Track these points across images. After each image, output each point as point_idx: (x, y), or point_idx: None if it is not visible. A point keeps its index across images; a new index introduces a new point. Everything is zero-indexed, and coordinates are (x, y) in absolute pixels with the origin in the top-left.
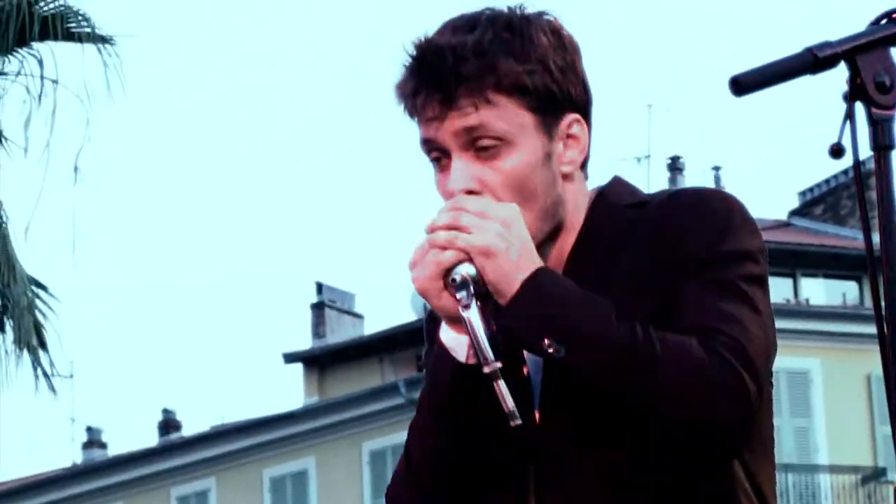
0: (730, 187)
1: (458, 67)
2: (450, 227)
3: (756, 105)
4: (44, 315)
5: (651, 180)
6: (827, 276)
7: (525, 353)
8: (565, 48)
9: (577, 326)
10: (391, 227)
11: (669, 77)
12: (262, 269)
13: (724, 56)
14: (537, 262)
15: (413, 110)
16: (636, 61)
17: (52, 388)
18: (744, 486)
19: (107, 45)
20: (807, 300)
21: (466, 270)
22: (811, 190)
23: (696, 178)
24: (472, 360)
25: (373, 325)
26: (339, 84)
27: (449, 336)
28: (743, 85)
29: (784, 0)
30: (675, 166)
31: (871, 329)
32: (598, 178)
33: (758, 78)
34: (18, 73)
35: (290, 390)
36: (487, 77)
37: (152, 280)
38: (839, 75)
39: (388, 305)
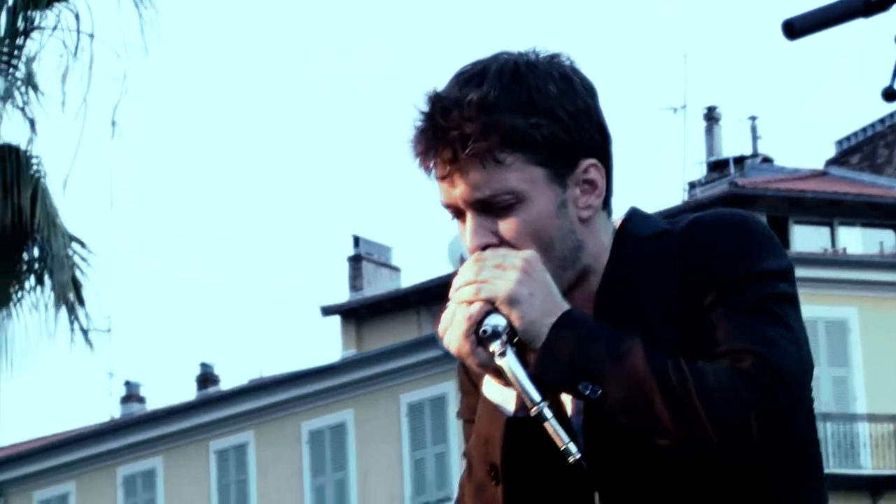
0: (766, 137)
1: (463, 127)
2: (471, 283)
3: (792, 54)
4: (82, 271)
5: (687, 130)
6: (864, 226)
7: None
8: (576, 93)
9: (611, 365)
10: (428, 181)
11: (705, 27)
12: (298, 223)
13: (759, 4)
14: (563, 305)
15: (425, 168)
16: (671, 11)
17: (90, 343)
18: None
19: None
20: (844, 249)
21: (496, 321)
22: (848, 139)
23: (732, 127)
24: (521, 412)
25: (410, 277)
26: (379, 45)
27: (494, 391)
28: (796, 28)
29: None
30: (711, 116)
31: None
32: (637, 129)
33: (811, 21)
34: (55, 28)
35: (327, 343)
36: (493, 135)
37: (189, 235)
38: (884, 20)
39: (424, 258)
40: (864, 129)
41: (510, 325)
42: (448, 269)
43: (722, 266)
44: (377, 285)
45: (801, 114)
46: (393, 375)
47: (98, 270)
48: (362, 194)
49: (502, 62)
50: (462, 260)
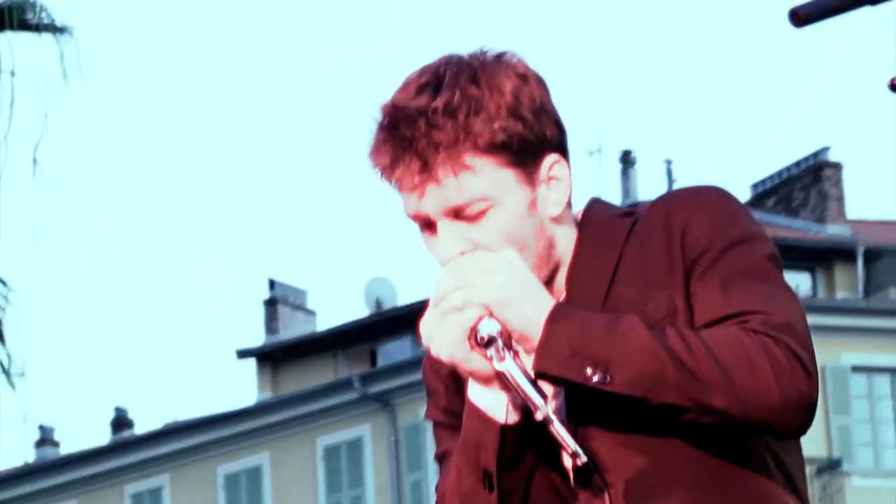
0: (681, 180)
1: (431, 135)
2: (458, 289)
3: (707, 95)
4: (3, 309)
5: (602, 173)
6: None
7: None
8: (533, 90)
9: (614, 346)
10: (343, 223)
11: (620, 69)
12: (214, 266)
13: (675, 48)
14: (551, 300)
15: (390, 179)
16: (587, 53)
17: (12, 384)
18: (777, 475)
19: (64, 35)
20: None
21: (489, 327)
22: (763, 182)
23: (647, 171)
24: (511, 420)
25: (325, 321)
26: (290, 83)
27: (482, 397)
28: (802, 17)
29: None
30: (626, 159)
31: (824, 321)
32: None
33: (818, 9)
34: None
35: (243, 387)
36: (463, 141)
37: (105, 276)
38: (889, 10)
39: (340, 301)
40: (779, 173)
41: (504, 329)
42: (364, 313)
43: (703, 234)
44: (293, 328)
45: (717, 157)
46: (309, 418)
47: (18, 310)
48: (278, 237)
49: (456, 65)
50: (378, 303)
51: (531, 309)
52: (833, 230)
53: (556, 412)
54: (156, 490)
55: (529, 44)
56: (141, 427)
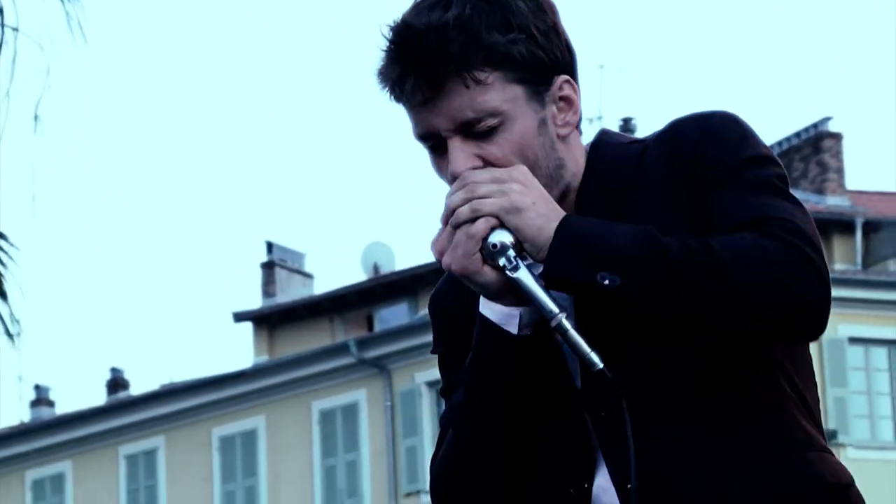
0: None
1: (442, 48)
2: (468, 200)
3: (707, 65)
4: (3, 265)
5: None
6: None
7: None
8: (544, 11)
9: (626, 251)
10: (341, 186)
11: (622, 37)
12: (212, 228)
13: (676, 17)
14: (561, 211)
15: (400, 96)
16: (588, 21)
17: (13, 341)
18: (791, 397)
19: None
20: None
21: (501, 236)
22: None
23: None
24: (524, 331)
25: (323, 284)
26: (289, 44)
27: (495, 311)
28: None
29: None
30: (626, 128)
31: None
32: None
33: None
34: None
35: (239, 350)
36: (474, 54)
37: (101, 236)
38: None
39: (338, 265)
40: (778, 143)
41: (516, 238)
42: (362, 277)
43: (717, 153)
44: (290, 292)
45: None
46: (305, 382)
47: (21, 266)
48: (276, 200)
49: None
50: (375, 268)
51: (542, 218)
52: (832, 201)
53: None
54: (151, 451)
55: None
56: (137, 388)
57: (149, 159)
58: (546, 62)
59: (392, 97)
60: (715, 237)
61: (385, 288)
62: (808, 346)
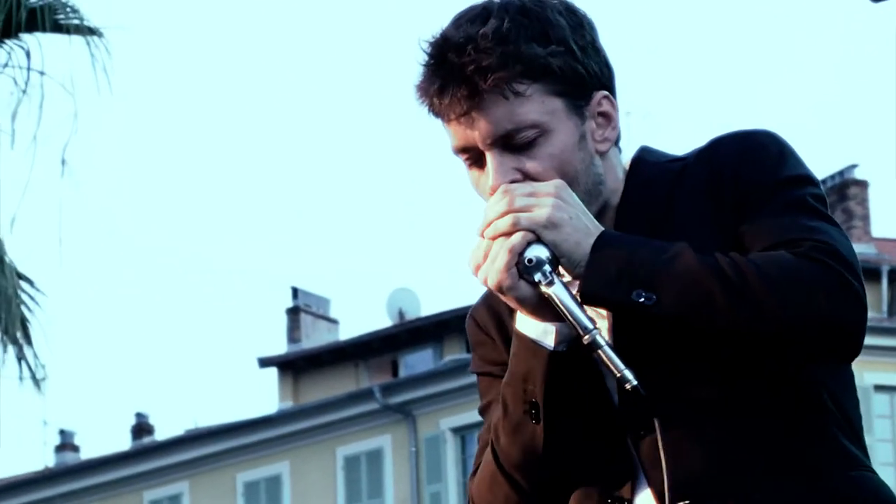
0: None
1: (481, 59)
2: (507, 213)
3: (734, 110)
4: (29, 309)
5: None
6: None
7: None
8: (583, 27)
9: (662, 269)
10: (366, 232)
11: (647, 82)
12: (238, 273)
13: (703, 61)
14: (599, 226)
15: (439, 110)
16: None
17: (38, 387)
18: (834, 415)
19: (95, 37)
20: None
21: (537, 251)
22: None
23: None
24: (561, 346)
25: (348, 330)
26: (319, 89)
27: (531, 326)
28: None
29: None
30: None
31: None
32: None
33: None
34: (6, 65)
35: (264, 395)
36: (513, 66)
37: (128, 280)
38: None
39: (363, 311)
40: None
41: (552, 253)
42: (387, 323)
43: (755, 172)
44: (315, 337)
45: None
46: (329, 428)
47: (46, 311)
48: (302, 245)
49: (503, 1)
50: (401, 314)
51: (580, 233)
52: (858, 249)
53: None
54: (175, 497)
55: None
56: (161, 433)
57: (176, 203)
58: (585, 77)
59: (431, 111)
60: (751, 255)
61: (410, 334)
62: (851, 364)
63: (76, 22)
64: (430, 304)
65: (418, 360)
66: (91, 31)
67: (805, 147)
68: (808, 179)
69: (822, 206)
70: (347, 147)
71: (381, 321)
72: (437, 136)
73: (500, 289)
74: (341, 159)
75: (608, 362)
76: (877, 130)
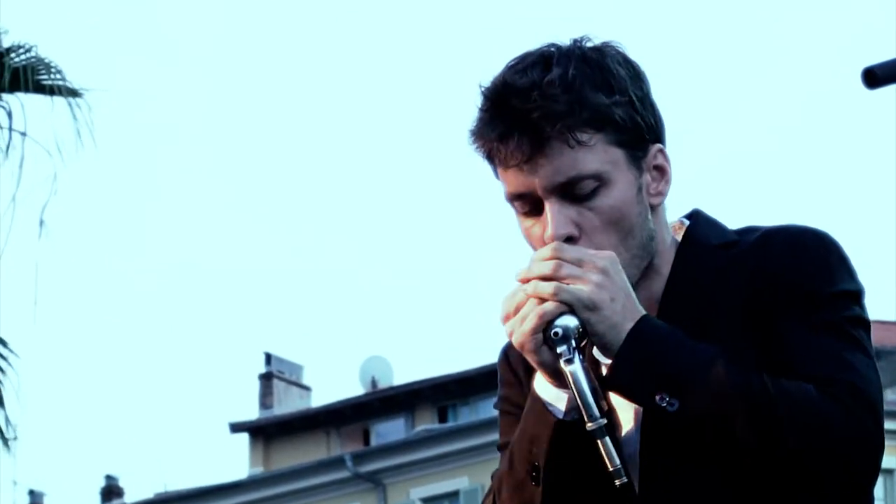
0: None
1: (548, 106)
2: (548, 278)
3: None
4: (2, 370)
5: None
6: None
7: (618, 415)
8: (640, 78)
9: (691, 377)
10: (341, 299)
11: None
12: (210, 338)
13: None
14: (640, 311)
15: (498, 156)
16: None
17: (8, 447)
18: None
19: (77, 99)
20: None
21: (568, 323)
22: None
23: None
24: (570, 415)
25: (320, 397)
26: (291, 149)
27: (546, 389)
28: (878, 77)
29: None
30: None
31: None
32: None
33: (895, 70)
34: None
35: (235, 460)
36: (579, 113)
37: (100, 341)
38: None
39: (336, 378)
40: None
41: (583, 330)
42: (359, 391)
43: (799, 282)
44: (287, 404)
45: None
46: (300, 495)
47: (19, 372)
48: (275, 311)
49: (564, 47)
50: (373, 382)
51: (620, 316)
52: None
53: (629, 433)
54: None
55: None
56: (131, 496)
57: (149, 267)
58: (643, 128)
59: (487, 157)
60: (782, 383)
61: (382, 402)
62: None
63: (59, 83)
64: (403, 372)
65: (390, 429)
66: (73, 93)
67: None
68: (853, 296)
69: (863, 330)
70: (323, 213)
71: (354, 389)
72: (411, 201)
73: (523, 348)
74: (316, 225)
75: (605, 455)
76: (851, 213)
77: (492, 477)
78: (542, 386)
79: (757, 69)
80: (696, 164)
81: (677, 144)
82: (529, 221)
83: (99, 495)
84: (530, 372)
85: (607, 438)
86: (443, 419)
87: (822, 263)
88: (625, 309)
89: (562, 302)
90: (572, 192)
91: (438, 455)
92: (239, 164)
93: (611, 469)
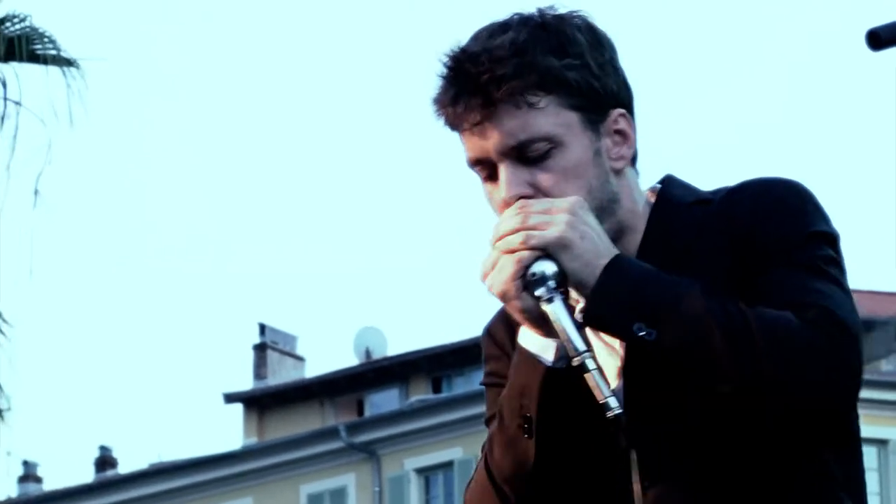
0: None
1: (496, 69)
2: (519, 230)
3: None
4: None
5: None
6: None
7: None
8: (602, 45)
9: (667, 305)
10: (335, 270)
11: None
12: (205, 308)
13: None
14: (613, 249)
15: (454, 120)
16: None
17: (2, 416)
18: (836, 479)
19: (71, 68)
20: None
21: (544, 267)
22: None
23: None
24: (560, 363)
25: (314, 368)
26: (287, 123)
27: (532, 341)
28: (882, 39)
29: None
30: None
31: None
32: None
33: None
34: None
35: (229, 431)
36: (528, 75)
37: (94, 312)
38: None
39: (330, 349)
40: None
41: (560, 271)
42: (353, 361)
43: (771, 230)
44: (281, 374)
45: None
46: (294, 465)
47: (13, 342)
48: (269, 282)
49: (524, 15)
50: (367, 353)
51: (592, 253)
52: None
53: (617, 376)
54: None
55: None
56: (125, 467)
57: (146, 236)
58: (601, 93)
59: (446, 122)
60: (758, 309)
61: (376, 373)
62: (860, 453)
63: (53, 52)
64: (398, 343)
65: (384, 400)
66: (68, 62)
67: None
68: (826, 237)
69: (835, 267)
70: (317, 186)
71: (348, 360)
72: (406, 172)
73: (504, 298)
74: (310, 198)
75: (594, 387)
76: (846, 182)
77: (481, 450)
78: (528, 339)
79: (758, 33)
80: (698, 134)
81: (676, 113)
82: (490, 187)
83: (93, 466)
84: (513, 343)
85: (595, 371)
86: (437, 390)
87: (795, 210)
88: (597, 247)
89: (533, 248)
90: (525, 154)
91: (432, 426)
92: (234, 135)
93: (601, 401)
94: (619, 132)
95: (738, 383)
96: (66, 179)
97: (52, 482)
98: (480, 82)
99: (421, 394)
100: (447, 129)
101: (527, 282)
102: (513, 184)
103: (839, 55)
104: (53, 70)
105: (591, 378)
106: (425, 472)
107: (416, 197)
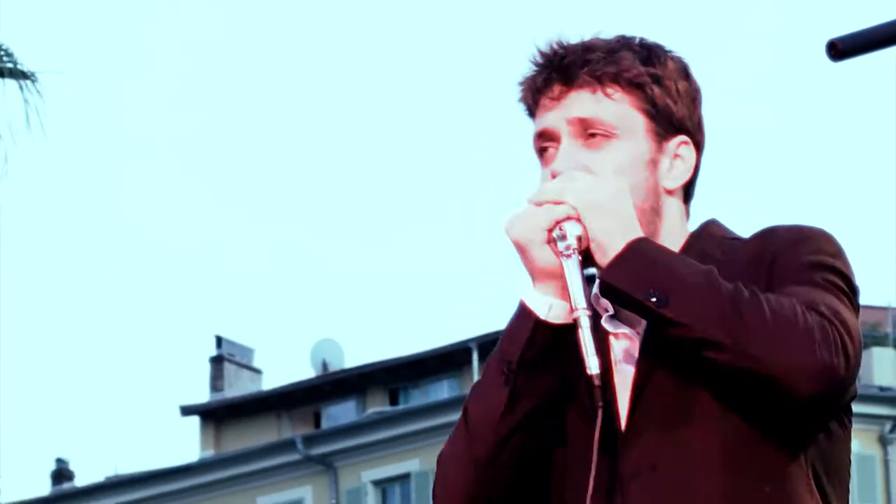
0: None
1: (585, 56)
2: (560, 190)
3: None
4: None
5: None
6: None
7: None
8: (688, 80)
9: (681, 278)
10: (292, 281)
11: None
12: (161, 321)
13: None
14: (640, 232)
15: (534, 94)
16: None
17: None
18: (810, 486)
19: (28, 82)
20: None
21: (571, 227)
22: None
23: None
24: (550, 318)
25: (271, 380)
26: (238, 134)
27: (532, 296)
28: (841, 50)
29: None
30: None
31: None
32: None
33: (858, 43)
34: None
35: (186, 443)
36: (610, 67)
37: (50, 324)
38: None
39: (287, 361)
40: None
41: (584, 237)
42: (310, 374)
43: (793, 255)
44: (238, 387)
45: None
46: (251, 477)
47: None
48: (226, 294)
49: (626, 35)
50: (324, 365)
51: (620, 226)
52: None
53: (628, 356)
54: None
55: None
56: (82, 479)
57: (99, 249)
58: (673, 113)
59: (527, 96)
60: (769, 293)
61: (333, 385)
62: (848, 448)
63: (9, 66)
64: (354, 355)
65: (341, 412)
66: (24, 76)
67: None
68: (847, 279)
69: (848, 298)
70: (274, 195)
71: (305, 372)
72: (365, 186)
73: (525, 244)
74: (267, 208)
75: (581, 343)
76: (837, 192)
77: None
78: (529, 295)
79: (720, 40)
80: None
81: None
82: (544, 168)
83: (50, 478)
84: None
85: (587, 329)
86: (394, 402)
87: (822, 247)
88: (627, 224)
89: (569, 204)
90: (585, 133)
91: (389, 438)
92: (190, 147)
93: (583, 356)
94: (679, 157)
95: (731, 345)
96: (21, 191)
97: (9, 495)
98: (567, 62)
99: (378, 406)
100: (524, 111)
101: (552, 236)
102: (566, 159)
103: (802, 66)
104: (10, 83)
105: (581, 334)
106: (382, 484)
107: (373, 211)
